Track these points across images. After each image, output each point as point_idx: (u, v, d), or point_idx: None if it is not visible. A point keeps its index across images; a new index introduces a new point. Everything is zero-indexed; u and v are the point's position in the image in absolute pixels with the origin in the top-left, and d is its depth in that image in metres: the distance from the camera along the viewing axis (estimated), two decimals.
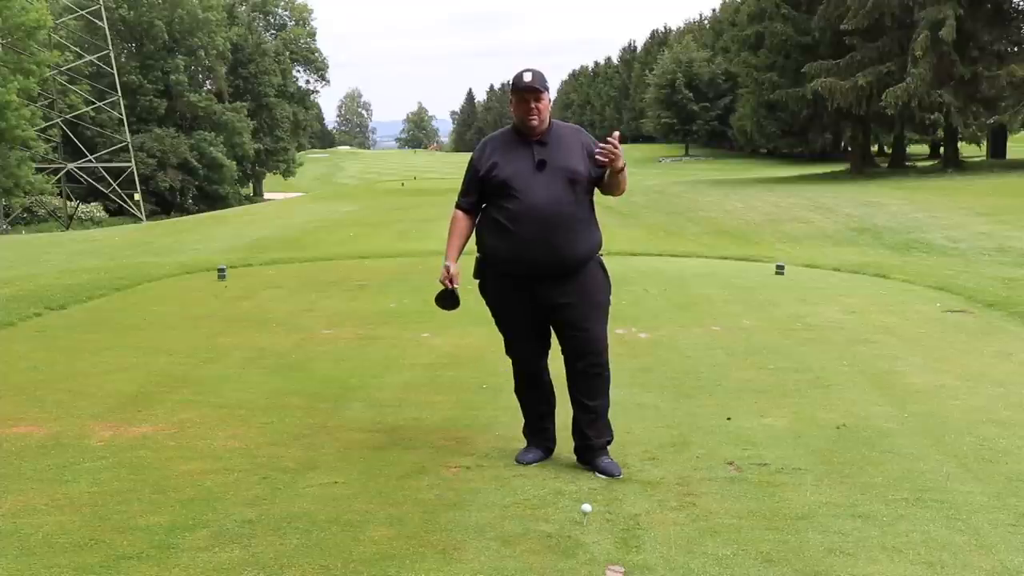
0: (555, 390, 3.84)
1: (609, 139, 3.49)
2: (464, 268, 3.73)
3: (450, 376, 5.26)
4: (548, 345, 3.78)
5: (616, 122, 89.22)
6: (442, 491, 3.39)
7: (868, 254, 14.45)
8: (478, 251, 3.72)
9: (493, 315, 3.81)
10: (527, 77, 3.52)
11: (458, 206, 3.72)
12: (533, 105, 3.52)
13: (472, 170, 3.66)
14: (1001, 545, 2.90)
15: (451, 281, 3.69)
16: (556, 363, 3.79)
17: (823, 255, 13.24)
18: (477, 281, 3.76)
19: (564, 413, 3.81)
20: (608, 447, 3.70)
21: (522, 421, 3.90)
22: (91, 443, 4.01)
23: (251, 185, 64.93)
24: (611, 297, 3.74)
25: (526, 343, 3.74)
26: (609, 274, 3.73)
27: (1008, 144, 38.77)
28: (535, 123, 3.54)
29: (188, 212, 45.64)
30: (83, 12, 47.75)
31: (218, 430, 4.20)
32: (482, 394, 4.86)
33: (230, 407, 4.60)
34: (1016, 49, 31.61)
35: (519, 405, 3.89)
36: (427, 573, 2.72)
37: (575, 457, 3.73)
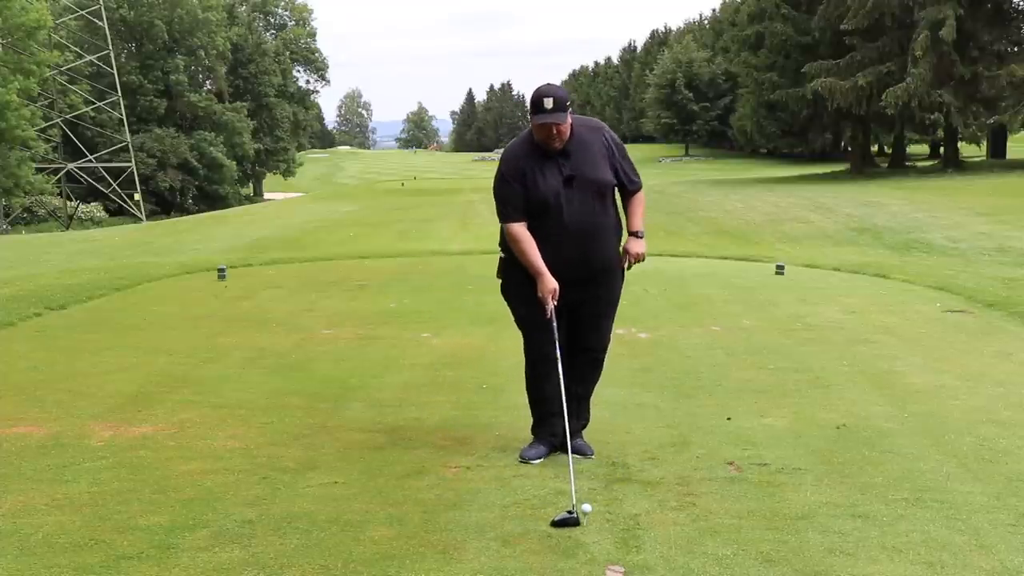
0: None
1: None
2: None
3: (450, 376, 5.26)
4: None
5: (616, 122, 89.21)
6: (442, 491, 3.39)
7: (868, 254, 14.44)
8: (504, 252, 3.72)
9: (515, 314, 3.80)
10: (547, 103, 3.44)
11: (514, 221, 3.60)
12: (555, 131, 3.50)
13: (512, 186, 3.58)
14: (1001, 545, 2.90)
15: (554, 297, 3.57)
16: None
17: (823, 255, 13.24)
18: (500, 281, 3.76)
19: None
20: (583, 430, 3.84)
21: (522, 420, 3.89)
22: (91, 443, 4.01)
23: (251, 185, 64.94)
24: None
25: (548, 340, 3.68)
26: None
27: (1008, 144, 38.78)
28: (557, 146, 3.54)
29: (188, 212, 45.62)
30: (83, 12, 47.74)
31: (218, 430, 4.20)
32: (482, 394, 4.85)
33: (230, 407, 4.60)
34: (1016, 49, 31.65)
35: (529, 403, 3.87)
36: (427, 573, 2.72)
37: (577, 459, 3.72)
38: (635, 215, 3.80)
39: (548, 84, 3.59)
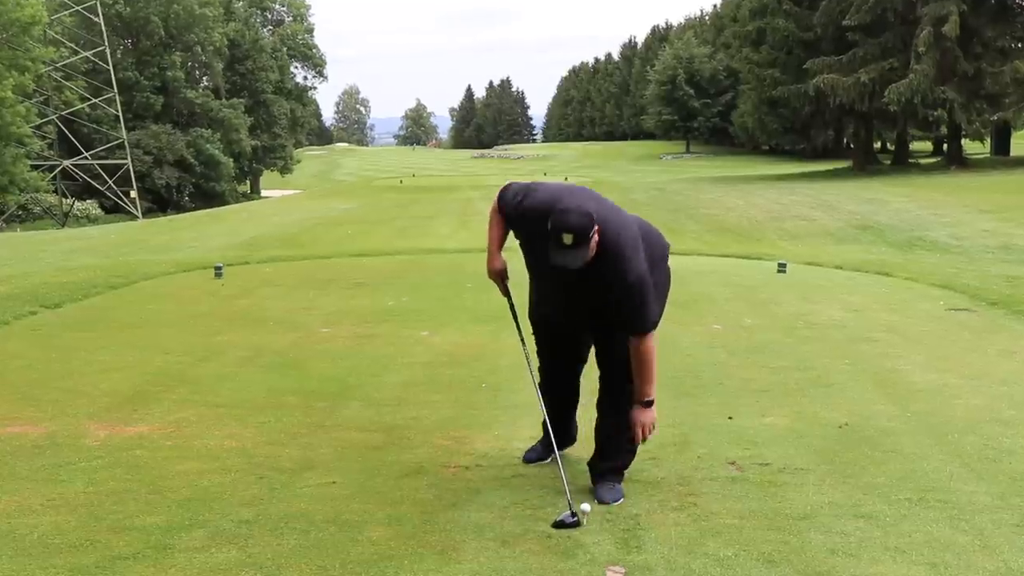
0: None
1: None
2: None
3: (449, 375, 5.23)
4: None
5: (616, 119, 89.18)
6: (441, 491, 3.37)
7: (871, 252, 14.42)
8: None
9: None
10: (567, 239, 2.87)
11: (500, 209, 3.44)
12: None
13: (509, 222, 3.39)
14: (1005, 546, 2.88)
15: (502, 279, 3.46)
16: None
17: (825, 253, 13.21)
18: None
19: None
20: (612, 471, 3.40)
21: (521, 420, 3.86)
22: (87, 443, 3.99)
23: (248, 182, 64.84)
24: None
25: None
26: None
27: (1012, 141, 38.68)
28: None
29: (184, 209, 45.40)
30: (79, 8, 47.56)
31: (215, 429, 4.18)
32: (481, 393, 4.82)
33: (227, 406, 4.57)
34: (1020, 45, 31.53)
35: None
36: (426, 573, 2.71)
37: (578, 459, 3.68)
38: (639, 375, 3.17)
39: (575, 201, 2.95)
